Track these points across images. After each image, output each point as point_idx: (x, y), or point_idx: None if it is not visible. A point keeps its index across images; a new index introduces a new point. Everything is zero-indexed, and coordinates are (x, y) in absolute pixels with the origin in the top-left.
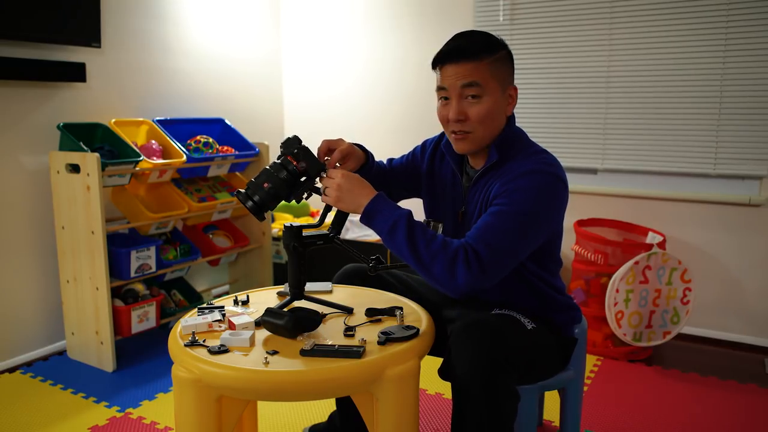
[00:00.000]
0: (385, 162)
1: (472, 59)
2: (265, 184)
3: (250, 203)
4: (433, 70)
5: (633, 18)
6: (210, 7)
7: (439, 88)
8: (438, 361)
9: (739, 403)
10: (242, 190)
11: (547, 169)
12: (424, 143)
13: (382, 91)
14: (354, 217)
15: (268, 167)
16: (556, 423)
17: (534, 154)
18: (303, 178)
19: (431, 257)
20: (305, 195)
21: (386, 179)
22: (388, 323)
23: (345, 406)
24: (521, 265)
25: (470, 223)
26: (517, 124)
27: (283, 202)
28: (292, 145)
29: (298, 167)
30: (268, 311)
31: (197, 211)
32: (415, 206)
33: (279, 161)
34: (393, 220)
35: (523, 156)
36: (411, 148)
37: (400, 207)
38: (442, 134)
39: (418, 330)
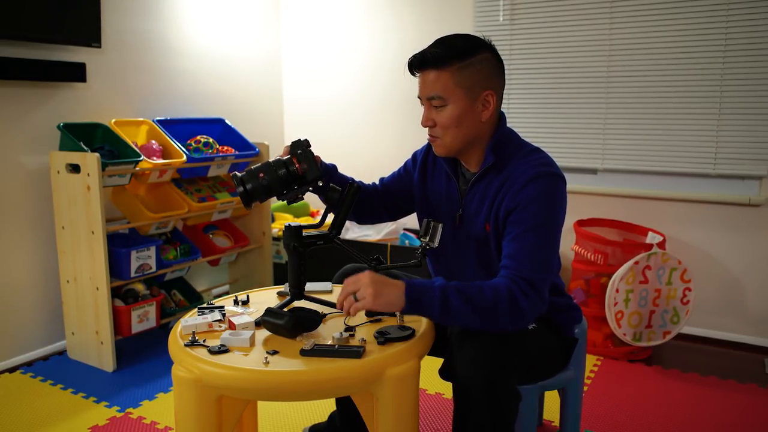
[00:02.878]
0: (377, 183)
1: (436, 68)
2: (261, 175)
3: (241, 189)
4: None
5: (633, 18)
6: (210, 6)
7: (418, 95)
8: (438, 362)
9: (739, 402)
10: (239, 174)
11: (548, 170)
12: (414, 154)
13: (382, 90)
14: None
15: (270, 161)
16: (556, 423)
17: (529, 155)
18: (300, 183)
19: (492, 309)
20: (297, 197)
21: (380, 198)
22: (388, 323)
23: (345, 406)
24: None
25: (469, 225)
26: (518, 124)
27: (281, 202)
28: (298, 147)
29: (299, 169)
30: (268, 311)
31: (197, 211)
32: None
33: (283, 158)
34: (439, 294)
35: (519, 158)
36: (411, 146)
37: (431, 282)
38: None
39: (414, 331)
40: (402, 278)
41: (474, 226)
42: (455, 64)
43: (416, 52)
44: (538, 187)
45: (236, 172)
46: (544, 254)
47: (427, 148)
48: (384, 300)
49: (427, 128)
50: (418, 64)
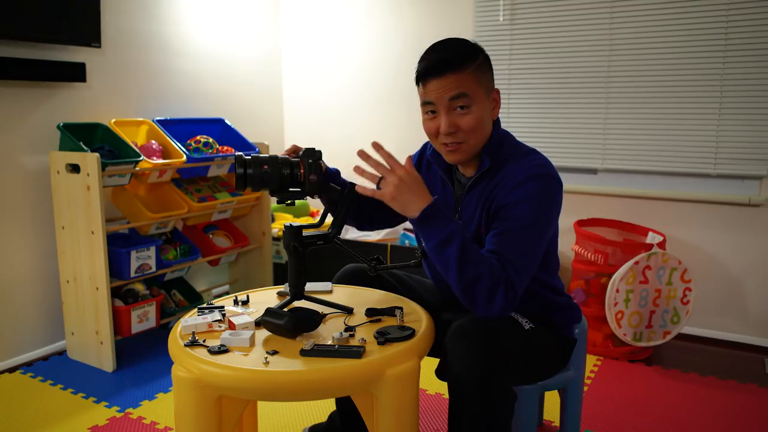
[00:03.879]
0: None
1: (456, 70)
2: (265, 167)
3: (241, 171)
4: (417, 86)
5: (633, 18)
6: (210, 6)
7: (426, 103)
8: (438, 362)
9: (739, 403)
10: (243, 156)
11: (542, 171)
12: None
13: (382, 89)
14: None
15: (279, 156)
16: (556, 423)
17: (525, 156)
18: (298, 189)
19: (475, 279)
20: (288, 201)
21: (377, 204)
22: (388, 323)
23: (345, 405)
24: None
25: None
26: (518, 124)
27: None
28: (311, 156)
29: (302, 176)
30: (268, 311)
31: (197, 211)
32: None
33: (291, 159)
34: (450, 230)
35: (515, 160)
36: (411, 145)
37: (453, 218)
38: (424, 146)
39: (414, 331)
40: (435, 199)
41: (470, 231)
42: (471, 65)
43: (417, 50)
44: (529, 188)
45: (242, 153)
46: (526, 256)
47: (421, 153)
48: (398, 205)
49: (438, 136)
50: (437, 68)
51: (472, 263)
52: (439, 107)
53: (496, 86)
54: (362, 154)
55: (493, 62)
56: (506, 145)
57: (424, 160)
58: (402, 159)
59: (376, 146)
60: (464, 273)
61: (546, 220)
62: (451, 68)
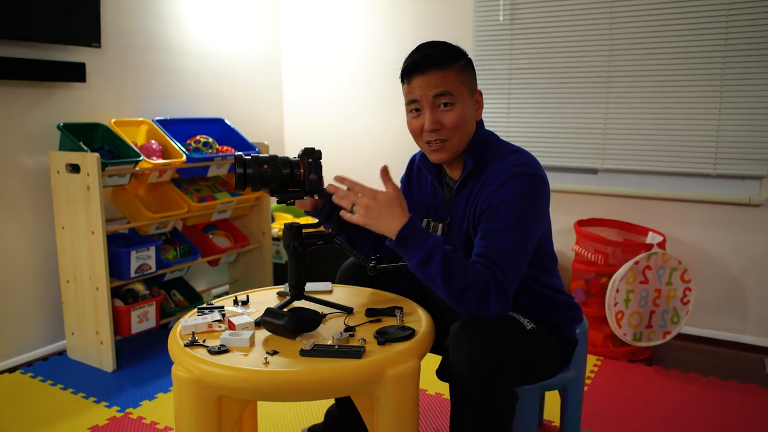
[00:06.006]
0: None
1: (441, 68)
2: (265, 166)
3: (241, 171)
4: (402, 84)
5: (633, 18)
6: (210, 6)
7: (411, 101)
8: (438, 360)
9: (739, 403)
10: (243, 156)
11: (526, 170)
12: (402, 179)
13: (383, 89)
14: None
15: (278, 156)
16: (556, 423)
17: (509, 155)
18: (297, 189)
19: (464, 289)
20: (289, 201)
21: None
22: (388, 323)
23: (344, 400)
24: None
25: (456, 234)
26: (518, 124)
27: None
28: (311, 155)
29: (302, 175)
30: (268, 311)
31: (197, 211)
32: None
33: (291, 158)
34: (428, 249)
35: (499, 159)
36: (411, 145)
37: (431, 233)
38: (412, 159)
39: (414, 331)
40: (409, 220)
41: (460, 233)
42: (455, 65)
43: (407, 55)
44: (513, 187)
45: (242, 153)
46: (513, 257)
47: (409, 167)
48: (374, 226)
49: (422, 134)
50: (421, 65)
51: (457, 275)
52: (423, 104)
53: (495, 86)
54: (331, 187)
55: (493, 62)
56: (490, 145)
57: (414, 170)
58: (403, 158)
59: (339, 179)
60: (452, 285)
61: (531, 218)
62: (436, 65)
